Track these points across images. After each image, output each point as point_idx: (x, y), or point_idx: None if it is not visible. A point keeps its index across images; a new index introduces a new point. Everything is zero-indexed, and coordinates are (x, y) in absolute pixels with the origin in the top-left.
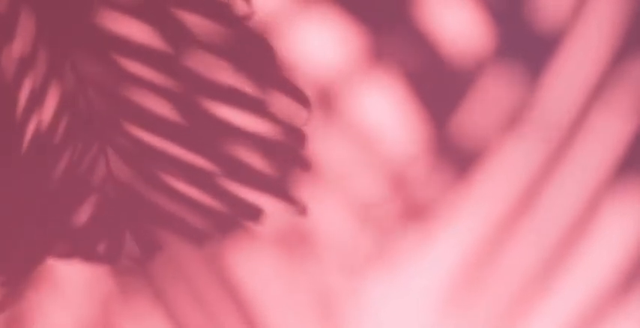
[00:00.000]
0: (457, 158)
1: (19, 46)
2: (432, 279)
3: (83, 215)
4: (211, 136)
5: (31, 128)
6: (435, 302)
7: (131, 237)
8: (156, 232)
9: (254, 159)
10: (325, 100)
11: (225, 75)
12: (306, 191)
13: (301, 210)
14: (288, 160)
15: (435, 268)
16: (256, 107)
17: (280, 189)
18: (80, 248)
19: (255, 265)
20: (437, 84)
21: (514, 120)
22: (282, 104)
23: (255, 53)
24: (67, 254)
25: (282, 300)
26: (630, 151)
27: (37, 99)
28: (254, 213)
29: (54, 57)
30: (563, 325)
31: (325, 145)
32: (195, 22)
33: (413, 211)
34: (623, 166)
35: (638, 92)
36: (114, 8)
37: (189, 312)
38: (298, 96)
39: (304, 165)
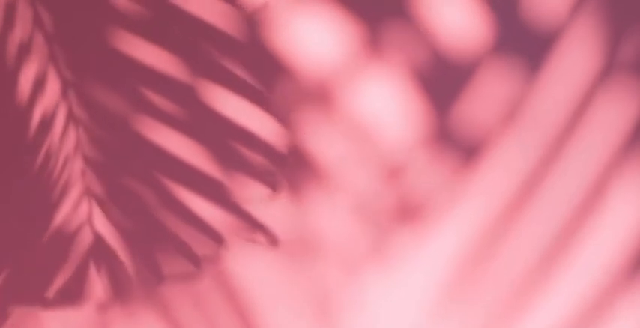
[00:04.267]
0: (456, 152)
1: (32, 65)
2: (430, 274)
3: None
4: (208, 132)
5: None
6: (434, 297)
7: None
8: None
9: (251, 156)
10: (324, 94)
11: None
12: (304, 187)
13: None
14: (284, 157)
15: (434, 263)
16: (256, 107)
17: (277, 187)
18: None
19: (252, 264)
20: (436, 78)
21: (513, 113)
22: (281, 106)
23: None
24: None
25: (279, 297)
26: (629, 145)
27: (46, 124)
28: (251, 213)
29: (64, 80)
30: (562, 320)
31: (323, 139)
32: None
33: (411, 206)
34: (621, 160)
35: (635, 86)
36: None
37: (186, 312)
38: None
39: (302, 160)
